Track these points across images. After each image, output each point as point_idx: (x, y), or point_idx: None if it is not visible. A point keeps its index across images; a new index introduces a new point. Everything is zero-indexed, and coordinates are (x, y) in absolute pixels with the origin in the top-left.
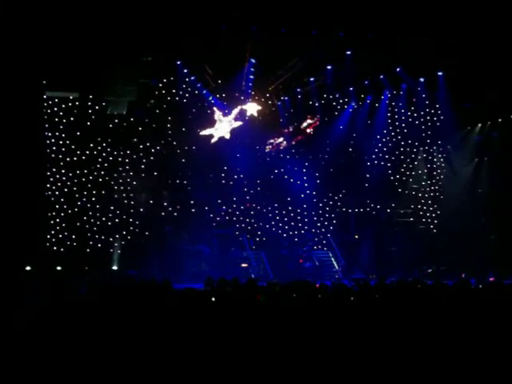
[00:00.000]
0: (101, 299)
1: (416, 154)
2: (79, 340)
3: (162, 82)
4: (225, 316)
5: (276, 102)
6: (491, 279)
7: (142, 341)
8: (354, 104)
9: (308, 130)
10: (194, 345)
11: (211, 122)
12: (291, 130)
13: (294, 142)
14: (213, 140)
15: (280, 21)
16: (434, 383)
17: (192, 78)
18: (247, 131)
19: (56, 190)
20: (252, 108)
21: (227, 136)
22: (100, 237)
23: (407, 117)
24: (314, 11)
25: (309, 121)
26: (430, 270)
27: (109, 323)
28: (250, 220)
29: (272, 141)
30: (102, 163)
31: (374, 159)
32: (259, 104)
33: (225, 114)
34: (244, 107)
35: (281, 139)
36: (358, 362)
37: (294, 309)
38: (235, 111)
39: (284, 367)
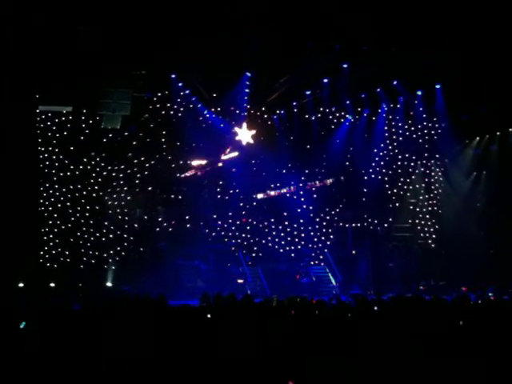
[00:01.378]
0: (95, 316)
1: (414, 167)
2: (72, 357)
3: (157, 96)
4: (221, 332)
5: (272, 115)
6: (490, 294)
7: (136, 357)
8: (350, 117)
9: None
10: (190, 362)
11: (207, 139)
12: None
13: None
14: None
15: (275, 33)
16: None
17: (187, 91)
18: (243, 146)
19: (49, 205)
20: (246, 135)
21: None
22: (94, 253)
23: (404, 130)
24: (309, 24)
25: (329, 180)
26: (421, 288)
27: (102, 340)
28: (246, 235)
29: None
30: (95, 178)
31: (371, 173)
32: (254, 123)
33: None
34: (237, 138)
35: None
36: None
37: (292, 324)
38: (231, 155)
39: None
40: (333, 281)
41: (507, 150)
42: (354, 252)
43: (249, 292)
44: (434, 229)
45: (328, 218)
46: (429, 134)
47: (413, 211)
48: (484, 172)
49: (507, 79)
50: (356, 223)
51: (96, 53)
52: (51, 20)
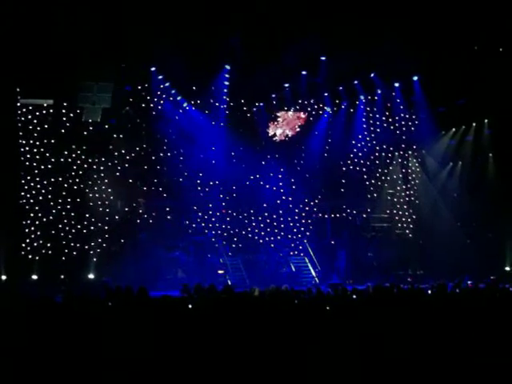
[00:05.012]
0: (77, 308)
1: (391, 158)
2: (55, 348)
3: (137, 89)
4: (202, 323)
5: (251, 107)
6: (468, 282)
7: (118, 349)
8: (329, 110)
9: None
10: (172, 352)
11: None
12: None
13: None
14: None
15: (255, 26)
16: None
17: (167, 84)
18: (223, 137)
19: (31, 197)
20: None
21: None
22: (75, 245)
23: (382, 122)
24: (287, 15)
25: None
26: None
27: (86, 332)
28: (225, 226)
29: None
30: (76, 171)
31: (350, 164)
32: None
33: None
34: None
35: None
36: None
37: (271, 315)
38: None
39: (263, 372)
40: (312, 271)
41: (482, 141)
42: (333, 242)
43: (229, 282)
44: (412, 219)
45: (307, 208)
46: (406, 125)
47: (391, 202)
48: (460, 162)
49: (482, 71)
50: (335, 214)
51: (76, 46)
52: (31, 12)
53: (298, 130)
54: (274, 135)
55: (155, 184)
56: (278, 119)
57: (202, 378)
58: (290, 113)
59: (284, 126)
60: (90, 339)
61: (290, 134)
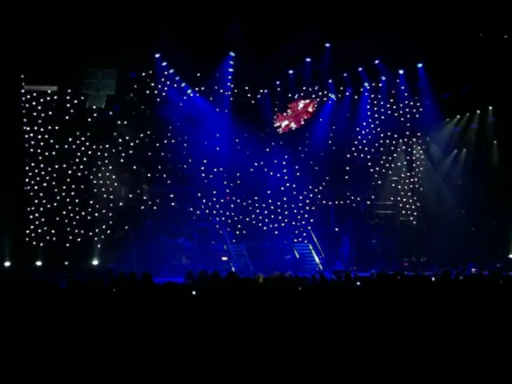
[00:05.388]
0: (81, 294)
1: (396, 145)
2: (59, 334)
3: (141, 76)
4: (206, 309)
5: (255, 94)
6: (472, 270)
7: (121, 335)
8: (333, 97)
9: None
10: (176, 338)
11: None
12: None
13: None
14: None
15: (258, 13)
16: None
17: (171, 70)
18: (227, 124)
19: (35, 184)
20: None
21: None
22: (80, 231)
23: (387, 109)
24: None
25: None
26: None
27: (90, 318)
28: (230, 213)
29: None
30: (80, 157)
31: (354, 151)
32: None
33: None
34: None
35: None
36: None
37: (275, 301)
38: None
39: (267, 360)
40: (316, 258)
41: (487, 128)
42: (336, 229)
43: (233, 269)
44: (416, 206)
45: (311, 195)
46: (410, 112)
47: (395, 189)
48: (464, 149)
49: (487, 58)
50: (339, 201)
51: (80, 32)
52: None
53: (302, 123)
54: (279, 127)
55: (159, 171)
56: (288, 110)
57: (205, 365)
58: (301, 105)
59: (291, 118)
60: (94, 325)
61: (294, 126)
